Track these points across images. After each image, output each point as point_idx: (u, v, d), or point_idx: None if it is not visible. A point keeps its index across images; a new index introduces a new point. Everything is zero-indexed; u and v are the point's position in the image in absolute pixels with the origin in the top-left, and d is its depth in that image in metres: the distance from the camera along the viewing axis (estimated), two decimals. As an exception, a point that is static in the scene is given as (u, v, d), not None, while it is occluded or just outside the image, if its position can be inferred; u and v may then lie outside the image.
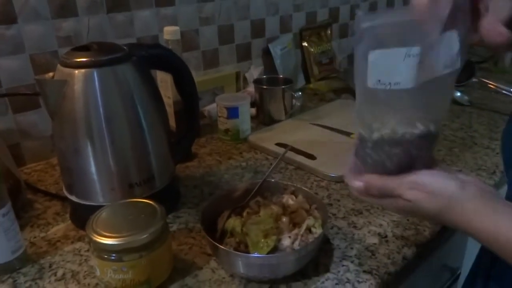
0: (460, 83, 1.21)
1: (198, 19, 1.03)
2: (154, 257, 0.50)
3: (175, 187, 0.72)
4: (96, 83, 0.56)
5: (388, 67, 0.39)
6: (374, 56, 0.39)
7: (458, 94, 1.12)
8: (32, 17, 0.78)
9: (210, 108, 1.04)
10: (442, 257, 0.75)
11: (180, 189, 0.74)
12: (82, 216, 0.62)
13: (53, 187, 0.76)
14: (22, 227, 0.64)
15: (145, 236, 0.48)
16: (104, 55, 0.57)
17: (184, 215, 0.67)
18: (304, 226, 0.54)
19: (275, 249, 0.52)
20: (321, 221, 0.56)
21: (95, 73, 0.56)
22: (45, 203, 0.72)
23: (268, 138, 0.90)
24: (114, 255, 0.48)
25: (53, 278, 0.55)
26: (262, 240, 0.52)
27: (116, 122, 0.59)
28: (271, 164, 0.83)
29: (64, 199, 0.69)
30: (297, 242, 0.53)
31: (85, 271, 0.56)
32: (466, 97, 1.12)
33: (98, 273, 0.50)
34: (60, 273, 0.56)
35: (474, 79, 1.21)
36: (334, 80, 1.32)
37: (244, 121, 0.92)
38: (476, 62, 1.34)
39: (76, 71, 0.56)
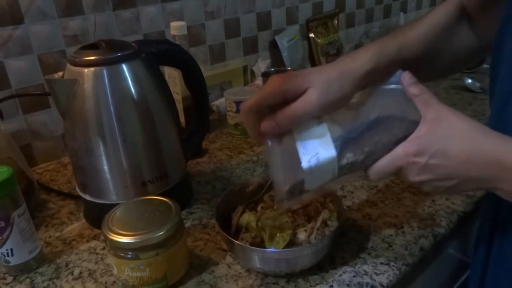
0: (470, 70, 1.19)
1: (204, 13, 1.03)
2: (171, 254, 0.50)
3: (188, 183, 0.72)
4: (106, 81, 0.56)
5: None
6: None
7: (470, 81, 1.11)
8: (38, 16, 0.78)
9: (219, 103, 1.03)
10: (460, 248, 0.75)
11: (192, 185, 0.74)
12: (96, 215, 0.62)
13: (66, 186, 0.77)
14: (36, 227, 0.64)
15: (161, 233, 0.48)
16: (113, 52, 0.57)
17: (197, 211, 0.67)
18: (319, 220, 0.53)
19: (291, 243, 0.52)
20: (336, 214, 0.55)
21: (105, 71, 0.56)
22: (58, 202, 0.72)
23: (278, 132, 0.89)
24: (130, 253, 0.48)
25: (70, 277, 0.55)
26: (278, 234, 0.52)
27: (128, 120, 0.58)
28: (282, 157, 0.83)
29: (77, 198, 0.69)
30: (313, 236, 0.52)
31: (102, 270, 0.56)
32: (477, 84, 1.10)
33: (115, 271, 0.50)
34: (77, 272, 0.56)
35: (485, 65, 1.19)
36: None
37: (254, 115, 0.92)
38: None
39: (86, 70, 0.56)
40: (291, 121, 0.43)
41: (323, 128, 0.43)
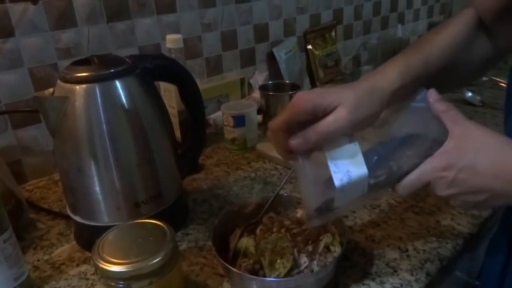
0: (471, 83, 1.18)
1: (200, 26, 1.01)
2: (165, 283, 0.47)
3: (183, 202, 0.69)
4: (99, 98, 0.54)
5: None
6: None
7: (470, 94, 1.09)
8: (29, 29, 0.76)
9: (215, 116, 1.01)
10: (466, 271, 0.72)
11: (188, 204, 0.71)
12: (87, 237, 0.60)
13: (57, 205, 0.74)
14: (25, 249, 0.62)
15: (154, 261, 0.45)
16: (106, 68, 0.55)
17: (193, 232, 0.64)
18: (321, 245, 0.51)
19: (291, 270, 0.50)
20: (339, 238, 0.53)
21: (97, 88, 0.54)
22: (48, 222, 0.69)
23: (276, 147, 0.87)
24: (122, 283, 0.45)
25: (58, 305, 0.52)
26: (278, 260, 0.49)
27: (121, 138, 0.56)
28: (281, 174, 0.80)
29: (68, 217, 0.66)
30: (315, 262, 0.50)
31: (92, 297, 0.53)
32: (478, 97, 1.09)
33: (105, 301, 0.47)
34: (65, 299, 0.53)
35: (485, 78, 1.18)
36: (340, 82, 1.29)
37: (251, 130, 0.90)
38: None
39: (77, 87, 0.54)
40: (320, 138, 0.43)
41: (355, 146, 0.43)
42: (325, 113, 0.43)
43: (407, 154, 0.43)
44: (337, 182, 0.42)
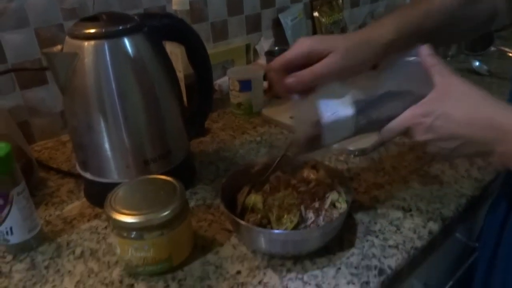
0: (478, 52, 1.17)
1: (206, -11, 0.99)
2: (175, 234, 0.48)
3: (191, 163, 0.70)
4: (107, 55, 0.54)
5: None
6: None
7: (477, 63, 1.08)
8: (35, -12, 0.75)
9: (221, 82, 1.01)
10: (466, 233, 0.74)
11: (195, 165, 0.72)
12: (97, 193, 0.61)
13: (65, 165, 0.75)
14: (36, 206, 0.63)
15: (166, 213, 0.46)
16: (114, 25, 0.54)
17: (200, 192, 0.66)
18: (328, 201, 0.52)
19: (298, 225, 0.51)
20: (345, 195, 0.54)
21: (106, 45, 0.53)
22: (58, 181, 0.71)
23: (282, 111, 0.87)
24: (134, 233, 0.46)
25: (71, 256, 0.54)
26: (285, 216, 0.51)
27: (129, 96, 0.56)
28: (286, 138, 0.81)
29: (77, 176, 0.68)
30: (321, 218, 0.51)
31: (104, 249, 0.55)
32: (485, 67, 1.08)
33: (118, 251, 0.49)
34: (78, 251, 0.55)
35: (492, 48, 1.17)
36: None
37: (257, 95, 0.90)
38: (494, 30, 1.28)
39: (86, 43, 0.53)
40: (313, 79, 0.47)
41: (344, 90, 0.47)
42: (320, 58, 0.47)
43: (394, 102, 0.46)
44: (324, 119, 0.46)
